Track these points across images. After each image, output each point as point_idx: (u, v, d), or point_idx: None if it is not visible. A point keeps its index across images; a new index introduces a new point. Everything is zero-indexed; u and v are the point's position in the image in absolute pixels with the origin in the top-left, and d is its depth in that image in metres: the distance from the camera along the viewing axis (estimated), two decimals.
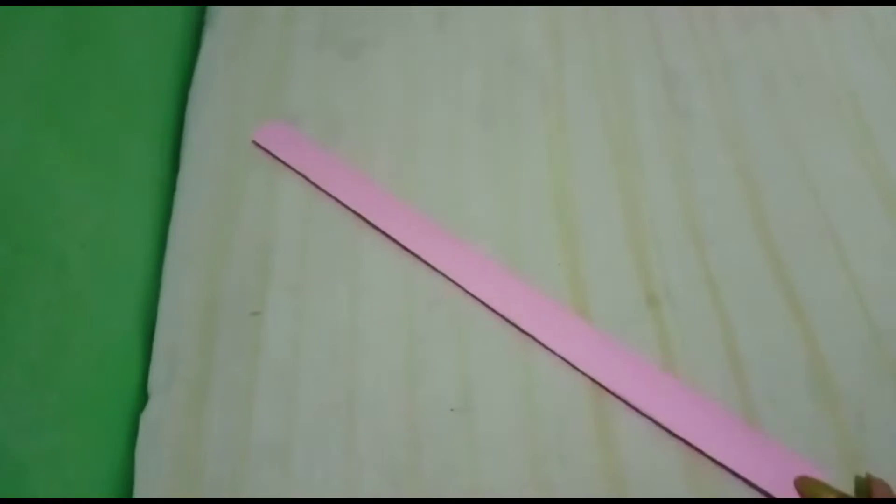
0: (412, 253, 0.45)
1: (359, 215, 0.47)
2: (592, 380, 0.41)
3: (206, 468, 0.40)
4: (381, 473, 0.40)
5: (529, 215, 0.47)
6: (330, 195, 0.48)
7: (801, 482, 0.36)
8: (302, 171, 0.49)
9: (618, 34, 0.54)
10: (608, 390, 0.41)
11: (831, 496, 0.35)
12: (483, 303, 0.44)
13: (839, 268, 0.44)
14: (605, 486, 0.39)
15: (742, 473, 0.38)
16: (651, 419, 0.39)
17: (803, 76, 0.51)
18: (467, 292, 0.44)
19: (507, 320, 0.43)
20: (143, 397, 0.43)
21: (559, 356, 0.42)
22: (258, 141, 0.51)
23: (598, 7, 0.55)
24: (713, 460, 0.38)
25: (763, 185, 0.47)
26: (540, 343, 0.42)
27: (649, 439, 0.40)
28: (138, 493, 0.40)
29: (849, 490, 0.36)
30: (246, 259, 0.47)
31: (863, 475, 0.36)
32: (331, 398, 0.42)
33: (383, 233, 0.46)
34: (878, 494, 0.34)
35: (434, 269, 0.45)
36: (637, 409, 0.40)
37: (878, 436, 0.39)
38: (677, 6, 0.55)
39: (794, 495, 0.37)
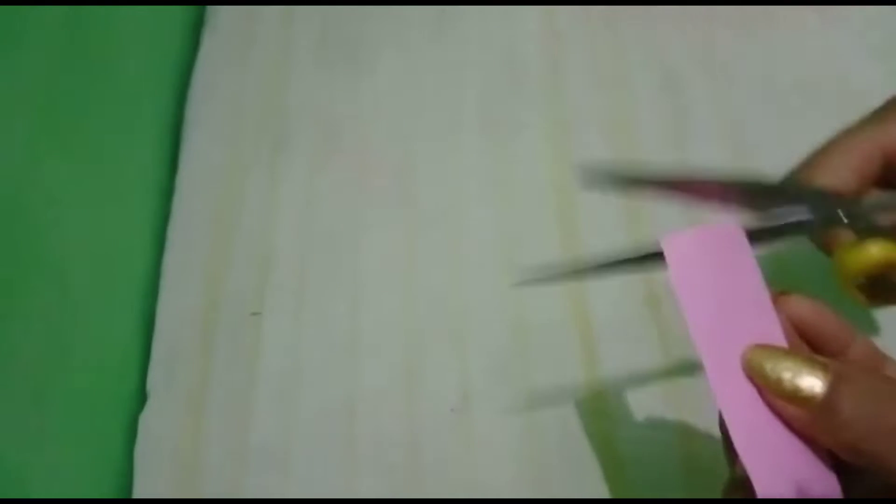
0: None
1: None
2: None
3: (205, 470, 0.40)
4: (381, 474, 0.40)
5: (529, 217, 0.47)
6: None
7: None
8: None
9: (618, 35, 0.54)
10: None
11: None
12: None
13: None
14: (606, 486, 0.39)
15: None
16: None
17: (803, 76, 0.51)
18: None
19: None
20: (141, 399, 0.43)
21: None
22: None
23: (598, 7, 0.55)
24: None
25: None
26: None
27: (650, 440, 0.40)
28: (137, 494, 0.40)
29: None
30: (245, 261, 0.47)
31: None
32: (330, 399, 0.42)
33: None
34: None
35: None
36: None
37: None
38: (678, 6, 0.55)
39: None
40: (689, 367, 0.42)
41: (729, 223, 0.27)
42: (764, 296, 0.26)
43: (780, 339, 0.26)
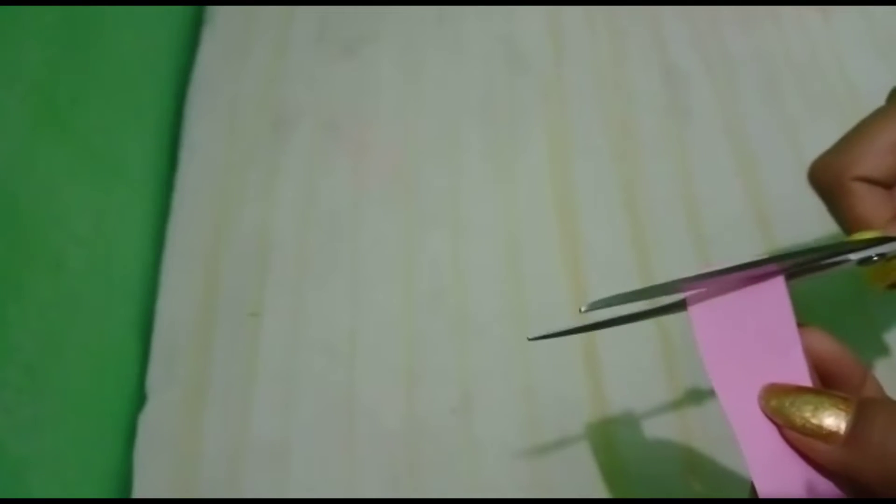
0: None
1: None
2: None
3: (204, 468, 0.40)
4: (381, 474, 0.40)
5: (530, 214, 0.47)
6: None
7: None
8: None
9: (619, 32, 0.54)
10: None
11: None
12: None
13: None
14: (606, 486, 0.39)
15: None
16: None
17: (805, 75, 0.51)
18: None
19: None
20: (141, 398, 0.43)
21: None
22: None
23: (600, 7, 0.55)
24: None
25: (765, 183, 0.47)
26: None
27: (650, 441, 0.40)
28: (137, 494, 0.40)
29: None
30: (244, 259, 0.47)
31: None
32: (330, 399, 0.42)
33: None
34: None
35: None
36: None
37: None
38: (680, 6, 0.55)
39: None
40: (692, 369, 0.41)
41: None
42: (792, 335, 0.26)
43: (805, 381, 0.26)
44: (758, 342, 0.26)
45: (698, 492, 0.38)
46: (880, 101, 0.34)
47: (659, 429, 0.40)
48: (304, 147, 0.51)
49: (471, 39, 0.55)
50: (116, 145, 0.47)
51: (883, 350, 0.41)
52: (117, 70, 0.47)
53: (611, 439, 0.40)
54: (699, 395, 0.41)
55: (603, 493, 0.38)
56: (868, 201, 0.30)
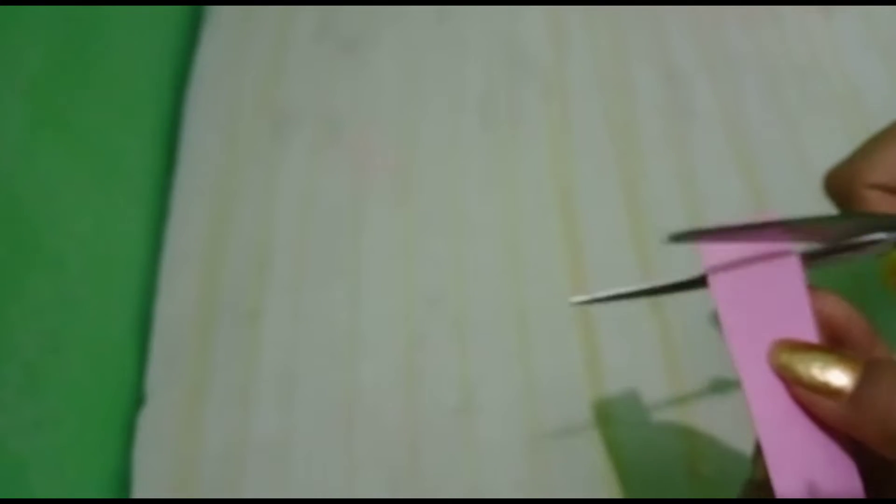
0: None
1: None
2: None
3: (204, 468, 0.40)
4: (381, 474, 0.40)
5: (531, 214, 0.47)
6: None
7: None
8: None
9: (621, 31, 0.54)
10: None
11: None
12: None
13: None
14: (606, 486, 0.39)
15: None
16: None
17: (806, 75, 0.51)
18: None
19: None
20: (140, 398, 0.43)
21: None
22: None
23: (602, 7, 0.55)
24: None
25: (766, 183, 0.47)
26: None
27: (653, 439, 0.40)
28: (137, 494, 0.40)
29: None
30: (244, 259, 0.47)
31: None
32: (330, 399, 0.42)
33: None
34: None
35: None
36: None
37: None
38: (682, 6, 0.55)
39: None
40: (694, 367, 0.41)
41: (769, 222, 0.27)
42: (803, 300, 0.26)
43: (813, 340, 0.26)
44: (769, 304, 0.27)
45: (702, 488, 0.38)
46: (880, 99, 0.34)
47: (661, 427, 0.40)
48: (304, 147, 0.51)
49: (471, 39, 0.55)
50: (116, 145, 0.47)
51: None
52: (117, 70, 0.47)
53: (613, 437, 0.40)
54: (701, 393, 0.41)
55: (605, 492, 0.38)
56: (883, 209, 0.30)
